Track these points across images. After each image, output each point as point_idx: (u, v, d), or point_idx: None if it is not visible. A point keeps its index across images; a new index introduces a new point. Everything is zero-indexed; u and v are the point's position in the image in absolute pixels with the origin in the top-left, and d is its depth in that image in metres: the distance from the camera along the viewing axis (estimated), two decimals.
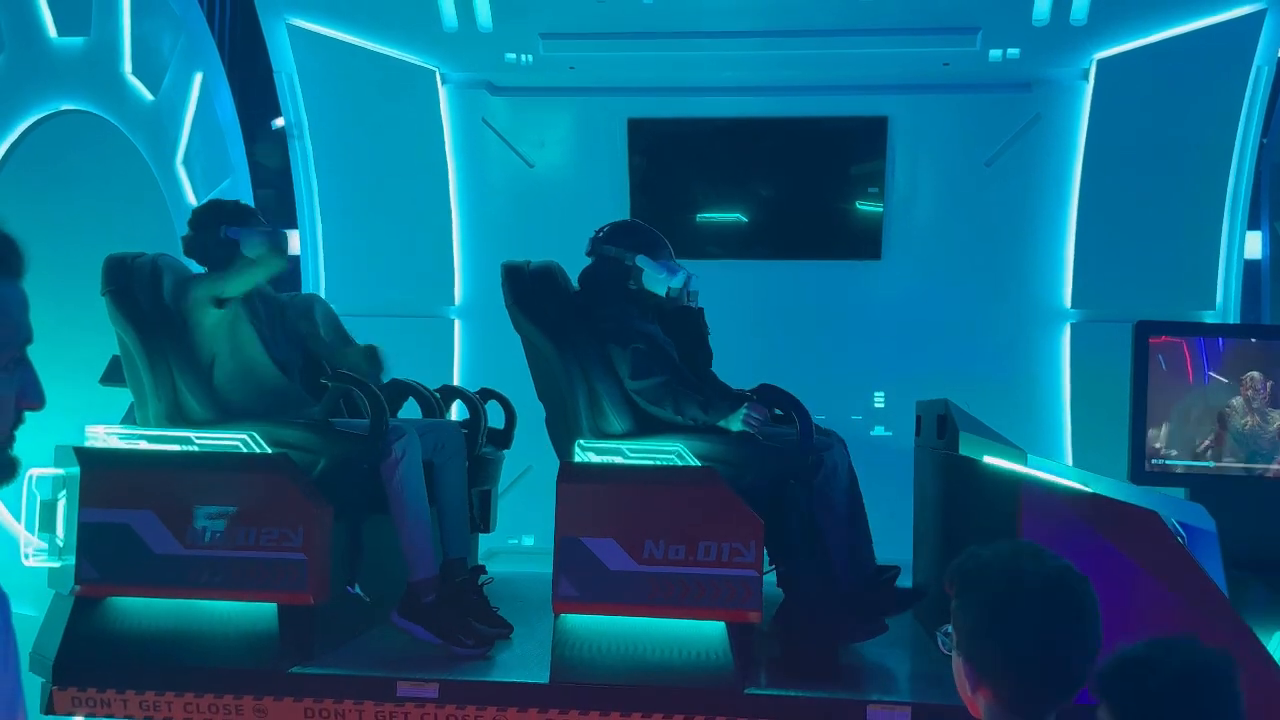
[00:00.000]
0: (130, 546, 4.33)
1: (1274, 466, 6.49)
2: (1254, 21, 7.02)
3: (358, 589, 4.59)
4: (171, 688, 4.26)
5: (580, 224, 5.25)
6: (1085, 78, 7.41)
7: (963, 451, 4.73)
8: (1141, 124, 7.30)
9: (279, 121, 8.02)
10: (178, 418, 4.65)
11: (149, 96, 7.73)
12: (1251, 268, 7.61)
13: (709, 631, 4.23)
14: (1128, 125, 7.32)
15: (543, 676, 4.22)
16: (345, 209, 7.82)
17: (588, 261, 5.12)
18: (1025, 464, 4.44)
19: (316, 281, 7.74)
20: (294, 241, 7.69)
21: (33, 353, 1.63)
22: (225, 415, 4.69)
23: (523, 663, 4.43)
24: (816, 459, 4.60)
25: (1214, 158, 7.27)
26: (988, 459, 4.55)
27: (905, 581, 5.07)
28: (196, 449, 4.53)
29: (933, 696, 4.16)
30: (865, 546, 4.95)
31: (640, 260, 4.98)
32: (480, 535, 6.16)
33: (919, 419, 5.87)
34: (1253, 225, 7.57)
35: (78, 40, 7.81)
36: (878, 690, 4.31)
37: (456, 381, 7.65)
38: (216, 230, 4.88)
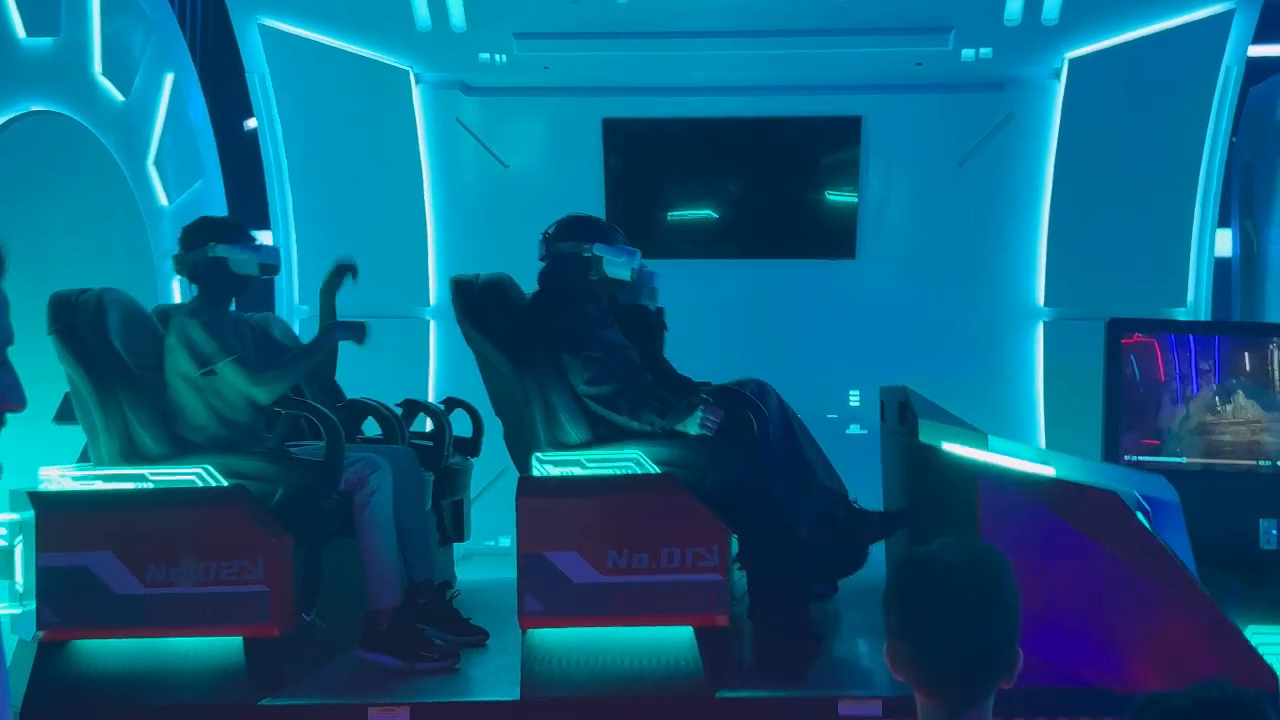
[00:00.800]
0: (90, 588, 4.29)
1: (1245, 462, 6.54)
2: (1223, 21, 7.07)
3: (313, 617, 4.60)
4: None
5: None
6: (1057, 77, 7.45)
7: (922, 438, 4.75)
8: (1113, 123, 7.34)
9: (251, 123, 7.98)
10: (132, 454, 4.55)
11: (120, 97, 7.66)
12: (1222, 265, 7.67)
13: (677, 638, 4.27)
14: (1099, 124, 7.35)
15: (514, 693, 4.25)
16: (318, 210, 7.77)
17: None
18: (986, 447, 4.42)
19: (290, 283, 7.70)
20: (265, 240, 7.64)
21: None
22: (181, 448, 4.61)
23: (494, 680, 4.45)
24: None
25: (1184, 156, 7.33)
26: (946, 445, 4.55)
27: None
28: (152, 485, 4.48)
29: (903, 688, 4.17)
30: (825, 481, 4.97)
31: (598, 249, 4.90)
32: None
33: (882, 404, 5.91)
34: (1223, 223, 7.64)
35: (47, 40, 7.69)
36: (848, 685, 4.36)
37: (432, 383, 7.69)
38: (205, 247, 4.71)
